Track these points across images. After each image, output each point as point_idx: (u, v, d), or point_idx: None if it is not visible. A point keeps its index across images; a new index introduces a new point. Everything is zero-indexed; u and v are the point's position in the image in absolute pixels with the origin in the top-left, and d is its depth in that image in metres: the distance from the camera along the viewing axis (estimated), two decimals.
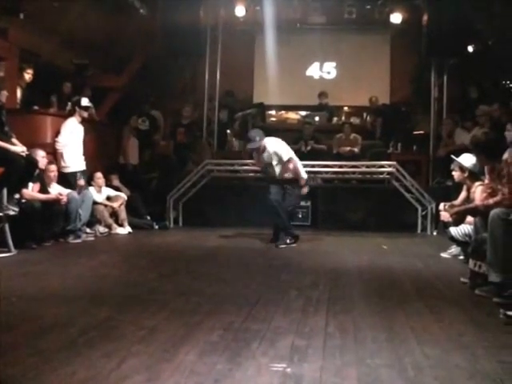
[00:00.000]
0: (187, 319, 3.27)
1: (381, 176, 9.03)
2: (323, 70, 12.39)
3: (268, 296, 3.97)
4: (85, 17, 8.72)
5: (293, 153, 7.25)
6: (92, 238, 7.33)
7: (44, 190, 6.71)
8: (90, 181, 7.99)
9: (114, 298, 3.86)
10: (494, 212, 3.89)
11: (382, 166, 8.96)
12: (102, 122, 9.40)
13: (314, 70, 12.39)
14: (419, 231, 8.77)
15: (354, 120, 11.53)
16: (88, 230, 7.45)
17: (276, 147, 7.08)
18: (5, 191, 5.72)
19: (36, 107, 7.90)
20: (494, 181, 4.53)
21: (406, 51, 11.37)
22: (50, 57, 8.76)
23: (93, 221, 7.66)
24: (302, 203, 9.08)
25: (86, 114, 7.84)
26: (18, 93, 7.96)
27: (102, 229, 7.77)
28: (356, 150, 9.96)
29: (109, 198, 8.25)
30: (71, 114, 7.77)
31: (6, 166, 5.67)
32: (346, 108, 12.30)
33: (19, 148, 5.90)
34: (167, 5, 9.97)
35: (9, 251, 5.65)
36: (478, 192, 5.17)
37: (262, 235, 7.57)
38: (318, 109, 11.46)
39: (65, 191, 6.95)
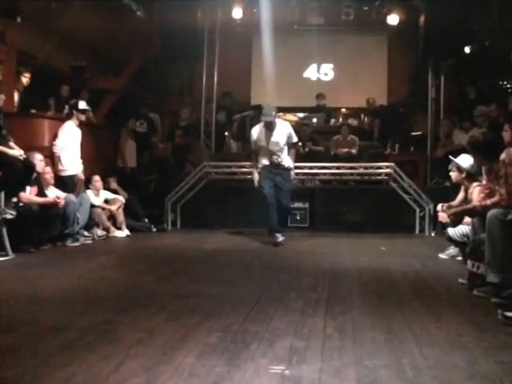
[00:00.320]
0: (186, 321, 3.27)
1: (379, 177, 9.04)
2: (321, 72, 12.42)
3: (266, 297, 3.97)
4: (82, 19, 8.71)
5: None
6: (90, 241, 7.32)
7: (42, 193, 6.70)
8: (87, 184, 7.99)
9: (112, 301, 3.86)
10: (491, 213, 3.89)
11: (380, 167, 8.97)
12: (99, 124, 9.40)
13: (311, 72, 12.43)
14: (417, 232, 8.77)
15: (352, 121, 11.56)
16: (86, 233, 7.43)
17: (290, 128, 7.49)
18: (2, 195, 5.71)
19: (33, 110, 7.90)
20: (492, 181, 4.54)
21: (404, 52, 11.40)
22: (48, 59, 8.76)
23: (91, 224, 7.65)
24: (300, 205, 9.13)
25: (83, 117, 7.81)
26: (16, 96, 7.96)
27: (100, 232, 7.76)
28: (354, 151, 9.97)
29: (107, 201, 8.24)
30: (69, 117, 7.75)
31: (4, 170, 5.65)
32: (343, 109, 12.33)
33: (17, 151, 5.88)
34: (164, 7, 9.98)
35: (6, 255, 5.63)
36: (476, 193, 5.17)
37: (261, 237, 7.58)
38: (316, 110, 11.49)
39: (62, 194, 6.94)
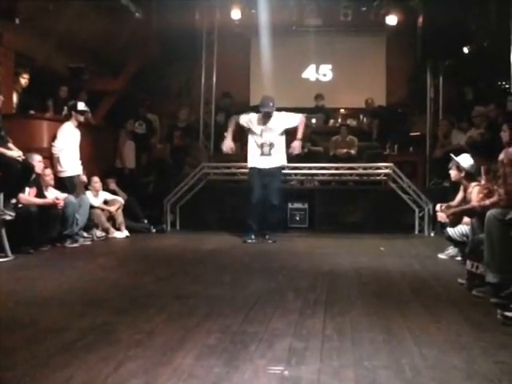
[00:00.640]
0: (184, 322, 3.27)
1: (378, 177, 9.04)
2: (319, 73, 12.43)
3: (265, 298, 3.97)
4: (80, 20, 8.71)
5: None
6: (89, 243, 7.31)
7: (41, 194, 6.70)
8: (87, 185, 7.99)
9: (111, 302, 3.85)
10: (490, 213, 3.89)
11: (379, 168, 8.97)
12: (98, 125, 9.40)
13: (310, 73, 12.43)
14: (416, 232, 8.77)
15: (351, 122, 11.55)
16: (85, 235, 7.43)
17: (286, 114, 7.72)
18: (1, 196, 5.70)
19: (32, 112, 7.89)
20: (491, 181, 4.54)
21: (402, 53, 11.42)
22: (46, 61, 8.74)
23: (90, 225, 7.65)
24: (300, 206, 9.14)
25: (82, 119, 7.82)
26: (14, 97, 7.95)
27: (99, 233, 7.75)
28: (353, 151, 9.97)
29: (106, 202, 8.24)
30: (68, 118, 7.76)
31: (3, 171, 5.65)
32: (342, 110, 12.32)
33: (15, 153, 5.89)
34: (163, 8, 9.98)
35: (6, 256, 5.62)
36: (475, 193, 5.18)
37: (260, 237, 7.59)
38: (315, 111, 11.46)
39: (62, 195, 6.94)
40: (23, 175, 5.95)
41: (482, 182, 4.98)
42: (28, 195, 6.44)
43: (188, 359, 2.61)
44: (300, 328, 3.17)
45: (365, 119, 11.54)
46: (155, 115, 10.99)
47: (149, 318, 3.39)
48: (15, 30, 7.73)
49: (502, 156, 4.08)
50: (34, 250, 6.16)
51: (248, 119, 7.70)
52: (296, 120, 7.67)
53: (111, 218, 8.13)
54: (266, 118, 7.55)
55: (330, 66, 12.38)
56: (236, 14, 10.88)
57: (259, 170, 7.58)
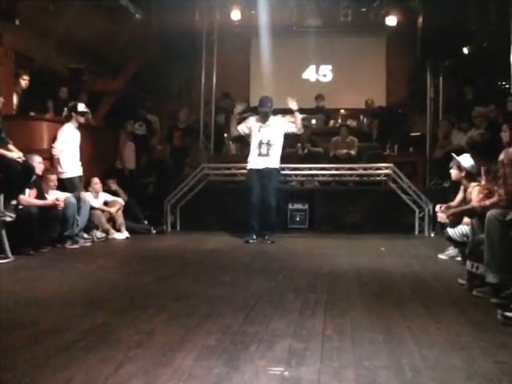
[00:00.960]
0: (184, 323, 3.27)
1: (378, 178, 9.04)
2: (319, 73, 12.44)
3: (265, 298, 3.97)
4: (80, 21, 8.72)
5: None
6: (89, 244, 7.31)
7: (41, 195, 6.70)
8: (87, 186, 7.99)
9: (111, 303, 3.86)
10: (490, 213, 3.89)
11: (379, 168, 8.96)
12: (98, 126, 9.39)
13: (310, 73, 12.44)
14: (417, 233, 8.76)
15: (351, 122, 11.55)
16: (85, 236, 7.43)
17: (286, 121, 8.20)
18: (1, 197, 5.71)
19: (32, 113, 7.89)
20: (491, 182, 4.54)
21: (402, 53, 11.42)
22: (46, 61, 8.75)
23: (90, 226, 7.65)
24: (300, 206, 9.14)
25: (82, 120, 7.81)
26: (14, 99, 7.95)
27: (99, 234, 7.76)
28: (353, 152, 9.96)
29: (106, 203, 8.24)
30: (68, 119, 7.75)
31: (3, 172, 5.66)
32: (342, 110, 12.30)
33: (16, 154, 5.88)
34: (162, 9, 9.98)
35: (6, 257, 5.62)
36: (475, 193, 5.18)
37: (260, 238, 7.59)
38: (315, 112, 11.47)
39: (62, 197, 6.94)
40: (23, 176, 5.94)
41: (482, 182, 4.97)
42: (28, 196, 6.44)
43: (188, 360, 2.61)
44: (300, 328, 3.17)
45: (365, 120, 11.54)
46: (155, 116, 10.99)
47: (149, 318, 3.39)
48: (15, 30, 7.74)
49: (502, 156, 4.08)
50: (35, 251, 6.16)
51: (245, 126, 8.02)
52: (293, 127, 7.97)
53: (111, 219, 8.13)
54: (264, 118, 7.84)
55: (330, 67, 12.38)
56: (236, 14, 10.88)
57: (257, 170, 7.67)
